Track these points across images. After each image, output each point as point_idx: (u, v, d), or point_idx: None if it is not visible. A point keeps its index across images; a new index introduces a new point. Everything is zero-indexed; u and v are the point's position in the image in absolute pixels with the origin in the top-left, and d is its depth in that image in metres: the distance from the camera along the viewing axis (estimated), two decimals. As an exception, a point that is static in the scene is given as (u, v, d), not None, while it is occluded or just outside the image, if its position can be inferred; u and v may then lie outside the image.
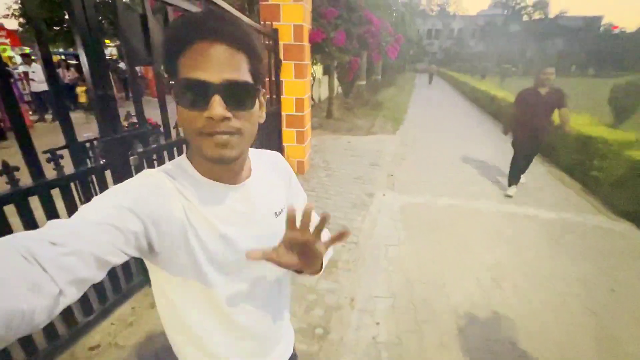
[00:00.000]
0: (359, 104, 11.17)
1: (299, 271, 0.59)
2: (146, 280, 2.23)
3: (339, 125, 7.91)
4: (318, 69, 10.41)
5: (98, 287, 1.89)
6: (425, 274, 2.50)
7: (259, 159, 0.69)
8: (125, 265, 2.09)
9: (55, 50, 13.51)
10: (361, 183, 4.30)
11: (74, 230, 0.40)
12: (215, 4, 2.56)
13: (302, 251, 0.52)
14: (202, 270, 0.56)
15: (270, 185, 0.68)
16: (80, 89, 8.80)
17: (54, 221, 0.41)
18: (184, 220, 0.53)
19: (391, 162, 5.24)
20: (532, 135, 3.73)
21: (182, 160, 0.60)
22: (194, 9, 2.34)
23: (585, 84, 24.57)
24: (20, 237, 0.36)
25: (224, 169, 0.58)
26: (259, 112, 0.57)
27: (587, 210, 3.72)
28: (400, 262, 2.63)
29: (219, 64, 0.48)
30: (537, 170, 5.05)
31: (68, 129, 1.61)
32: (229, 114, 0.49)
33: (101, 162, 1.81)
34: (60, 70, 9.19)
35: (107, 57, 1.80)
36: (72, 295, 0.37)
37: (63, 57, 11.55)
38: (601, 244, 2.99)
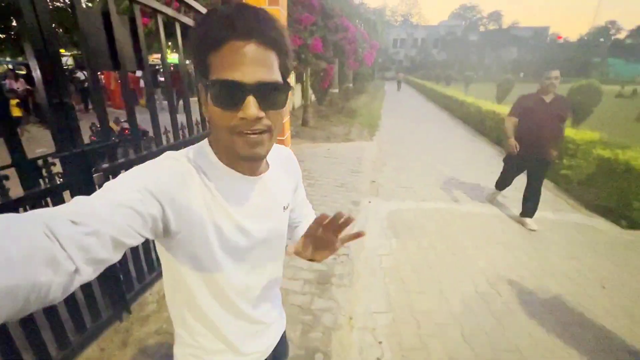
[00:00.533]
0: (333, 111, 11.18)
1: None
2: (116, 316, 1.94)
3: (315, 133, 7.81)
4: (291, 77, 10.33)
5: (57, 329, 1.60)
6: (423, 282, 2.41)
7: (274, 153, 0.71)
8: (91, 299, 1.80)
9: (2, 59, 12.39)
10: (345, 191, 4.19)
11: (96, 210, 0.41)
12: (187, 4, 2.36)
13: (320, 245, 0.65)
14: (215, 255, 0.57)
15: (282, 180, 0.71)
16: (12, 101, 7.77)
17: (79, 198, 0.42)
18: (202, 208, 0.54)
19: (372, 168, 5.20)
20: (535, 152, 3.08)
21: (204, 146, 0.59)
22: (165, 9, 2.14)
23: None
24: (44, 214, 0.36)
25: (244, 165, 0.59)
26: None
27: (563, 207, 3.85)
28: (395, 272, 2.52)
29: (253, 64, 0.48)
30: (511, 171, 5.22)
31: (14, 144, 1.34)
32: (262, 114, 0.50)
33: (58, 182, 1.54)
34: (7, 81, 8.39)
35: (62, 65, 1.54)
36: (87, 274, 0.38)
37: (11, 66, 10.59)
38: (582, 239, 3.07)
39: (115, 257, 0.42)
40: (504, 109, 7.28)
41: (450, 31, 52.68)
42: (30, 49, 1.35)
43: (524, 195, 3.33)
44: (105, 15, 1.70)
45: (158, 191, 0.47)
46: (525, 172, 3.40)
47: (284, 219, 0.72)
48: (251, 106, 0.48)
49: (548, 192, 4.34)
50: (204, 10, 2.49)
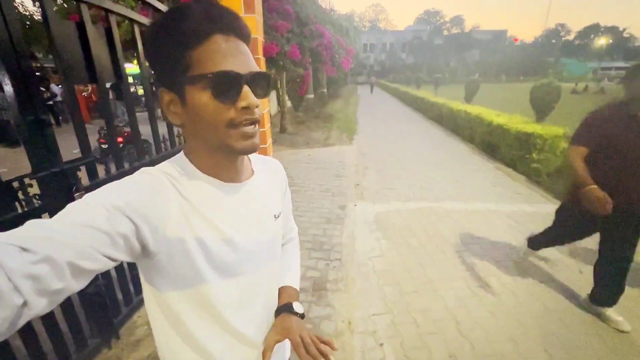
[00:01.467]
0: (310, 117, 11.23)
1: None
2: (104, 343, 1.82)
3: (294, 140, 7.80)
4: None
5: (40, 364, 1.47)
6: (416, 282, 2.45)
7: (260, 162, 0.70)
8: (75, 326, 1.68)
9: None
10: (330, 196, 4.20)
11: (52, 233, 0.37)
12: (160, 11, 2.29)
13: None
14: (200, 271, 0.53)
15: (270, 188, 0.69)
16: None
17: (34, 221, 0.39)
18: (182, 221, 0.51)
19: (355, 172, 5.25)
20: (624, 204, 1.77)
21: (181, 158, 0.57)
22: (140, 18, 2.06)
23: (502, 88, 28.03)
24: None
25: (227, 166, 0.57)
26: None
27: (537, 199, 4.06)
28: (389, 274, 2.55)
29: (242, 55, 0.50)
30: (486, 167, 5.47)
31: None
32: (258, 103, 0.51)
33: (36, 205, 1.44)
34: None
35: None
36: (40, 307, 0.35)
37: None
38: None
39: (76, 286, 0.39)
40: (474, 109, 7.62)
41: (417, 35, 54.80)
42: (1, 62, 1.26)
43: (596, 270, 2.03)
44: (80, 26, 1.62)
45: (129, 208, 0.44)
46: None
47: (276, 228, 0.68)
48: (250, 94, 0.50)
49: (522, 185, 4.57)
50: (164, 9, 2.34)
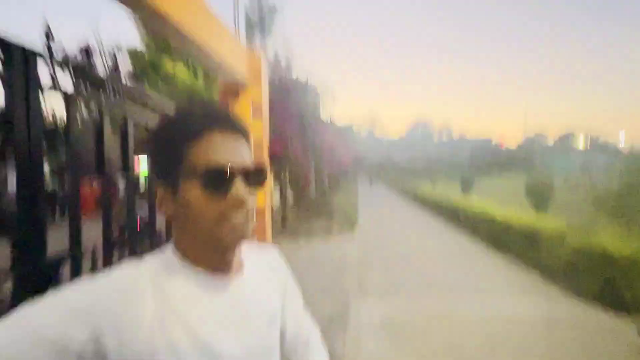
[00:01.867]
0: (311, 210, 11.39)
1: None
2: None
3: (296, 233, 7.73)
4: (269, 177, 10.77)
5: None
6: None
7: (254, 252, 0.63)
8: None
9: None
10: (332, 293, 3.89)
11: None
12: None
13: None
14: None
15: (264, 286, 0.61)
16: None
17: None
18: (154, 326, 0.45)
19: (357, 265, 5.02)
20: None
21: (168, 249, 0.54)
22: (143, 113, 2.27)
23: (495, 181, 29.35)
24: None
25: (217, 259, 0.53)
26: None
27: (555, 297, 3.72)
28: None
29: (235, 150, 0.52)
30: (493, 262, 5.22)
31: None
32: (249, 196, 0.51)
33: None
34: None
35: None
36: None
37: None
38: (591, 338, 2.88)
39: None
40: (477, 203, 7.71)
41: (410, 143, 61.79)
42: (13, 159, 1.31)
43: None
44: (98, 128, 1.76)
45: (93, 311, 0.41)
46: None
47: (271, 335, 0.58)
48: (242, 187, 0.50)
49: (536, 281, 4.26)
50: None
